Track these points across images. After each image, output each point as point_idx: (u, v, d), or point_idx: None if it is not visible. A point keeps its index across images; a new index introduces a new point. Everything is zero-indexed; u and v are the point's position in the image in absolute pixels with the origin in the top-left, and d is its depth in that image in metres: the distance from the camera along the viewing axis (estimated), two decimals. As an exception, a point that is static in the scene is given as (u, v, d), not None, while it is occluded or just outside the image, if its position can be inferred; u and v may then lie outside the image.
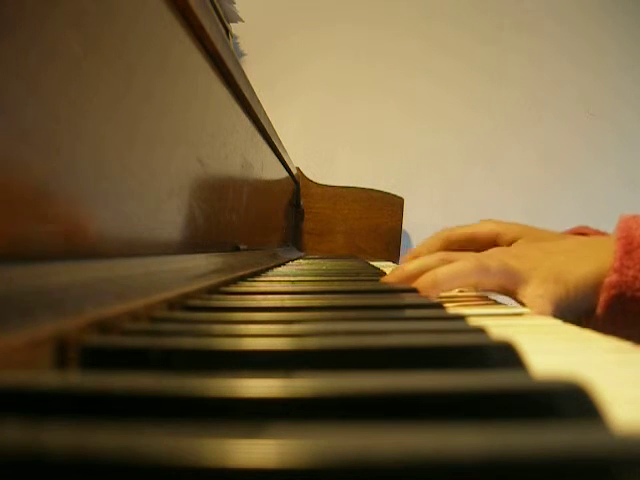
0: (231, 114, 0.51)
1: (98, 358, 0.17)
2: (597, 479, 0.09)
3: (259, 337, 0.20)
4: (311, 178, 1.21)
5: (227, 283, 0.39)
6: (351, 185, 1.23)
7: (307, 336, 0.20)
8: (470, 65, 1.43)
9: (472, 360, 0.17)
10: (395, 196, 1.22)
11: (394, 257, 1.19)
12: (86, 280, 0.22)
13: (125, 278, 0.26)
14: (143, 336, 0.20)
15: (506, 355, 0.17)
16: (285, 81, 1.40)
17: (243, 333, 0.21)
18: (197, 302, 0.29)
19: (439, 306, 0.31)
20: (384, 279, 0.45)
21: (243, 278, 0.45)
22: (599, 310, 0.43)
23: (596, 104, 1.44)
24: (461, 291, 0.48)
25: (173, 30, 0.35)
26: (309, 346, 0.17)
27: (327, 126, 1.41)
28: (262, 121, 0.63)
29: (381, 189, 1.23)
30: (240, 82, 0.50)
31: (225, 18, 1.14)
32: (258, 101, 0.61)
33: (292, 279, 0.46)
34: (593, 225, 0.61)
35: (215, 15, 0.41)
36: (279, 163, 0.86)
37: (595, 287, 0.43)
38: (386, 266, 0.83)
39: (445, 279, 0.40)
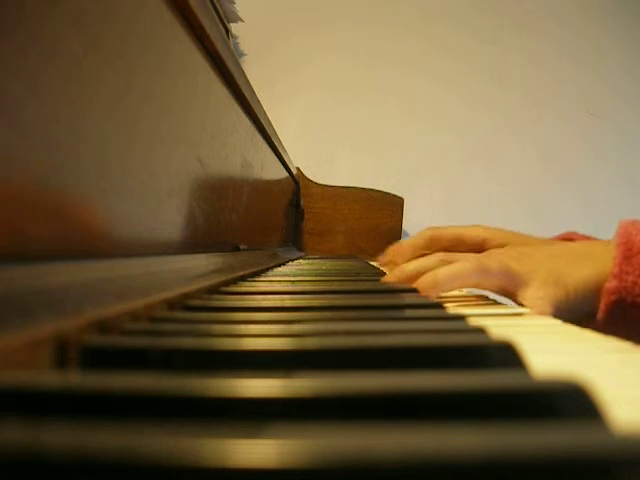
0: (231, 114, 0.51)
1: (98, 358, 0.17)
2: (597, 479, 0.09)
3: (259, 337, 0.20)
4: (311, 178, 1.21)
5: (227, 283, 0.39)
6: (351, 185, 1.23)
7: (307, 336, 0.20)
8: (470, 65, 1.43)
9: (472, 360, 0.17)
10: (395, 196, 1.22)
11: (394, 257, 1.19)
12: (86, 280, 0.22)
13: (125, 278, 0.26)
14: (143, 336, 0.20)
15: (506, 355, 0.17)
16: (285, 81, 1.40)
17: (243, 333, 0.21)
18: (197, 302, 0.29)
19: (439, 306, 0.31)
20: (384, 279, 0.45)
21: (243, 278, 0.45)
22: (599, 316, 0.43)
23: (596, 104, 1.44)
24: (461, 292, 0.48)
25: (173, 30, 0.35)
26: (309, 346, 0.17)
27: (327, 126, 1.41)
28: (262, 121, 0.63)
29: (381, 189, 1.23)
30: (240, 82, 0.50)
31: (225, 18, 1.14)
32: (258, 101, 0.61)
33: (292, 279, 0.46)
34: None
35: (215, 15, 0.41)
36: (279, 163, 0.86)
37: (595, 291, 0.43)
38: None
39: (445, 279, 0.40)
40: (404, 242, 0.61)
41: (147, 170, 0.31)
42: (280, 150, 0.81)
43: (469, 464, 0.08)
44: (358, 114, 1.41)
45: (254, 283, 0.43)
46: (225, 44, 0.44)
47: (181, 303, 0.28)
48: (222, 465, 0.08)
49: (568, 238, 0.60)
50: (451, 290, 0.43)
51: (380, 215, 1.21)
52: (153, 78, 0.32)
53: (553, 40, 1.44)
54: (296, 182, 1.12)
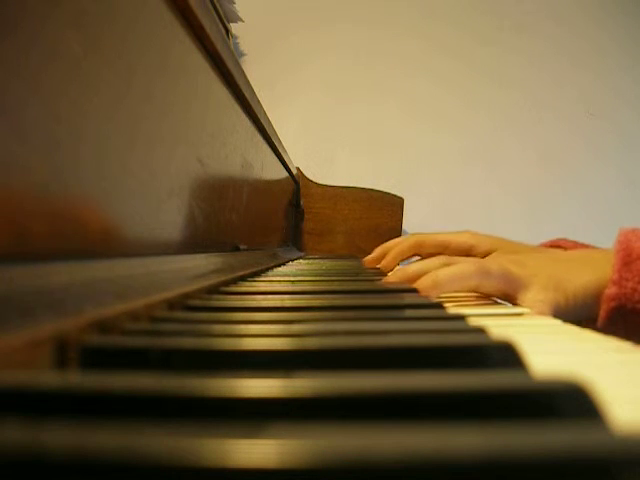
0: (231, 114, 0.51)
1: (98, 358, 0.17)
2: (597, 479, 0.09)
3: (259, 337, 0.20)
4: (311, 178, 1.21)
5: (227, 283, 0.39)
6: (351, 185, 1.23)
7: (307, 336, 0.20)
8: (470, 66, 1.43)
9: (472, 360, 0.17)
10: (395, 196, 1.22)
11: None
12: (86, 280, 0.22)
13: (125, 278, 0.26)
14: (143, 336, 0.20)
15: (506, 355, 0.17)
16: (285, 81, 1.40)
17: (243, 333, 0.21)
18: (197, 302, 0.29)
19: (439, 306, 0.31)
20: (386, 279, 0.45)
21: (243, 278, 0.45)
22: (599, 322, 0.43)
23: (596, 104, 1.44)
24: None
25: (173, 30, 0.35)
26: (309, 346, 0.17)
27: (327, 126, 1.41)
28: (262, 121, 0.63)
29: (381, 189, 1.23)
30: (240, 82, 0.50)
31: (225, 18, 1.14)
32: (258, 101, 0.61)
33: (292, 279, 0.46)
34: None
35: (215, 15, 0.41)
36: (279, 163, 0.86)
37: (595, 297, 0.43)
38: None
39: (446, 280, 0.40)
40: (390, 247, 0.62)
41: (147, 170, 0.31)
42: (280, 150, 0.81)
43: (469, 464, 0.08)
44: (358, 114, 1.41)
45: (254, 283, 0.43)
46: (225, 44, 0.44)
47: (181, 303, 0.28)
48: (222, 465, 0.08)
49: (556, 245, 0.60)
50: (451, 291, 0.43)
51: (380, 215, 1.21)
52: (153, 78, 0.32)
53: (553, 41, 1.44)
54: (296, 182, 1.12)
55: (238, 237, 0.57)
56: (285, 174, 0.95)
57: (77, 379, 0.14)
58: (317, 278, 0.48)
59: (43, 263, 0.20)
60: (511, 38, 1.44)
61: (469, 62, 1.43)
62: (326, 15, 1.42)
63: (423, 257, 0.63)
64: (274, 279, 0.47)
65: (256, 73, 1.19)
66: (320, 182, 1.22)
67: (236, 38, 1.34)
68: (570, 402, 0.12)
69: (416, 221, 1.31)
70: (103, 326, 0.19)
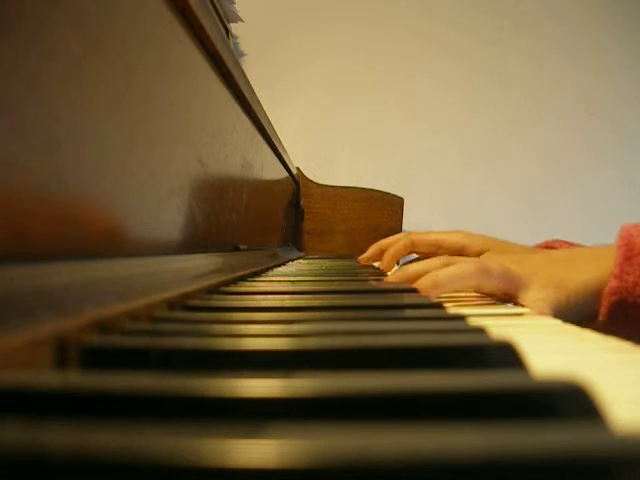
0: (231, 114, 0.51)
1: (98, 358, 0.17)
2: (597, 479, 0.09)
3: (259, 337, 0.20)
4: (311, 178, 1.21)
5: (227, 283, 0.39)
6: (351, 185, 1.23)
7: (307, 336, 0.20)
8: (470, 66, 1.43)
9: (472, 360, 0.17)
10: (395, 196, 1.22)
11: (394, 257, 1.19)
12: (86, 280, 0.22)
13: (125, 278, 0.26)
14: (143, 336, 0.20)
15: (506, 355, 0.17)
16: (285, 81, 1.40)
17: (243, 333, 0.21)
18: (197, 302, 0.29)
19: (439, 306, 0.31)
20: (387, 279, 0.45)
21: (243, 278, 0.45)
22: (601, 317, 0.43)
23: (596, 104, 1.43)
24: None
25: (173, 30, 0.35)
26: (309, 346, 0.17)
27: (327, 126, 1.41)
28: (262, 121, 0.63)
29: (381, 189, 1.23)
30: (240, 82, 0.50)
31: (225, 18, 1.14)
32: (258, 101, 0.61)
33: (292, 279, 0.46)
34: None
35: (215, 15, 0.41)
36: (279, 163, 0.86)
37: (596, 294, 0.43)
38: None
39: (446, 280, 0.40)
40: (384, 245, 0.63)
41: (147, 170, 0.31)
42: (280, 150, 0.81)
43: (469, 464, 0.08)
44: (358, 114, 1.41)
45: (254, 283, 0.43)
46: (225, 44, 0.44)
47: (181, 303, 0.28)
48: (222, 465, 0.08)
49: (550, 246, 0.60)
50: (451, 291, 0.43)
51: (380, 215, 1.21)
52: (153, 78, 0.32)
53: (553, 41, 1.44)
54: (296, 182, 1.12)
55: (238, 237, 0.57)
56: (285, 174, 0.95)
57: (77, 379, 0.14)
58: (317, 278, 0.48)
59: (43, 263, 0.20)
60: (511, 38, 1.44)
61: (469, 62, 1.43)
62: (326, 15, 1.42)
63: (420, 255, 0.63)
64: (274, 279, 0.47)
65: (256, 73, 1.19)
66: (320, 182, 1.22)
67: (236, 38, 1.34)
68: (570, 402, 0.12)
69: (416, 221, 1.31)
70: (103, 326, 0.19)
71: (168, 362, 0.16)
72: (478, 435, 0.09)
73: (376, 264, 0.70)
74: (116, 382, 0.12)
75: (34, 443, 0.09)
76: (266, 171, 0.73)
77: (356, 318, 0.26)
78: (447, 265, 0.42)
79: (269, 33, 1.39)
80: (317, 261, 0.82)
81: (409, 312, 0.30)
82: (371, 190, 1.22)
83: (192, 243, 0.40)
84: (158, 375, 0.13)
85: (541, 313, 0.40)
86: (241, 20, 1.22)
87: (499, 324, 0.32)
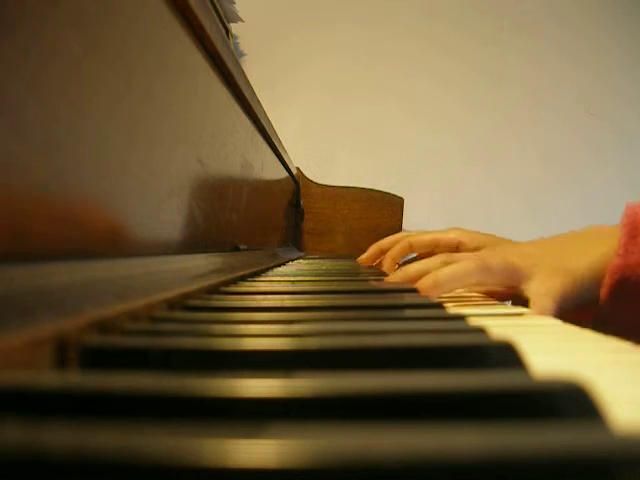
0: (231, 114, 0.51)
1: (98, 358, 0.17)
2: (597, 479, 0.09)
3: (259, 337, 0.20)
4: (311, 178, 1.21)
5: (227, 283, 0.39)
6: (351, 185, 1.23)
7: (307, 336, 0.20)
8: (470, 66, 1.43)
9: (472, 360, 0.17)
10: (395, 196, 1.22)
11: (394, 257, 1.19)
12: (86, 280, 0.22)
13: (125, 278, 0.26)
14: (143, 336, 0.20)
15: (506, 355, 0.17)
16: (285, 81, 1.40)
17: (243, 333, 0.21)
18: (197, 302, 0.29)
19: (439, 306, 0.31)
20: (387, 279, 0.46)
21: (243, 278, 0.45)
22: (603, 295, 0.43)
23: (596, 104, 1.43)
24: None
25: (173, 30, 0.35)
26: (309, 346, 0.17)
27: (327, 126, 1.41)
28: (262, 121, 0.63)
29: (381, 189, 1.23)
30: (240, 82, 0.50)
31: (225, 18, 1.14)
32: (258, 101, 0.61)
33: (292, 279, 0.46)
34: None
35: (215, 15, 0.41)
36: (279, 163, 0.86)
37: (600, 275, 0.43)
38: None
39: (447, 280, 0.40)
40: (383, 245, 0.63)
41: (147, 170, 0.31)
42: (280, 150, 0.81)
43: (469, 464, 0.08)
44: (358, 114, 1.41)
45: (254, 283, 0.43)
46: (225, 44, 0.44)
47: (181, 303, 0.28)
48: (222, 465, 0.08)
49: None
50: (452, 290, 0.43)
51: (380, 215, 1.21)
52: (153, 78, 0.32)
53: (553, 41, 1.44)
54: (296, 182, 1.12)
55: (238, 237, 0.57)
56: (285, 174, 0.95)
57: (77, 379, 0.14)
58: (317, 278, 0.48)
59: (43, 263, 0.20)
60: (511, 38, 1.44)
61: (469, 62, 1.43)
62: (326, 15, 1.42)
63: (418, 255, 0.64)
64: (274, 279, 0.47)
65: (256, 73, 1.19)
66: (320, 182, 1.22)
67: (236, 38, 1.34)
68: (570, 402, 0.12)
69: (416, 221, 1.31)
70: (103, 326, 0.19)
71: (168, 362, 0.16)
72: (478, 435, 0.09)
73: (375, 264, 0.70)
74: (116, 382, 0.12)
75: (34, 443, 0.09)
76: (266, 171, 0.73)
77: (356, 318, 0.26)
78: (447, 263, 0.42)
79: (269, 33, 1.39)
80: (317, 261, 0.82)
81: (409, 312, 0.30)
82: (371, 190, 1.22)
83: (192, 243, 0.40)
84: (158, 375, 0.13)
85: (547, 303, 0.40)
86: (241, 20, 1.22)
87: (499, 324, 0.32)
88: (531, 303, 0.41)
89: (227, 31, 1.15)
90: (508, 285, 0.42)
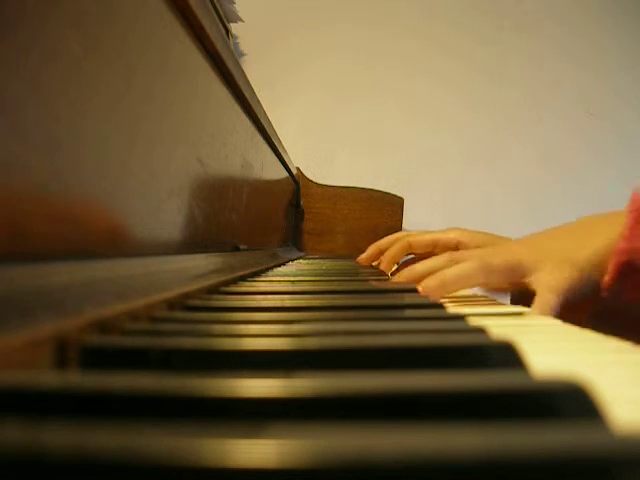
0: (231, 114, 0.51)
1: (98, 358, 0.17)
2: (597, 479, 0.09)
3: (259, 337, 0.20)
4: (311, 178, 1.21)
5: (227, 283, 0.39)
6: (351, 185, 1.23)
7: (307, 336, 0.20)
8: (470, 66, 1.43)
9: (472, 360, 0.17)
10: (395, 196, 1.22)
11: (394, 257, 1.19)
12: (86, 280, 0.22)
13: (125, 278, 0.26)
14: (143, 336, 0.20)
15: (506, 355, 0.17)
16: (285, 81, 1.40)
17: (243, 333, 0.21)
18: (197, 302, 0.29)
19: (439, 306, 0.31)
20: (393, 279, 0.46)
21: (243, 278, 0.45)
22: (608, 279, 0.43)
23: (596, 104, 1.43)
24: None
25: (173, 30, 0.35)
26: (309, 346, 0.17)
27: (327, 126, 1.41)
28: (262, 121, 0.63)
29: (381, 189, 1.23)
30: (240, 82, 0.50)
31: (225, 18, 1.14)
32: (258, 101, 0.61)
33: (292, 279, 0.46)
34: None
35: (215, 15, 0.41)
36: (279, 163, 0.86)
37: (603, 266, 0.43)
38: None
39: (452, 281, 0.40)
40: (382, 245, 0.63)
41: (147, 170, 0.31)
42: (280, 150, 0.81)
43: (469, 464, 0.08)
44: (358, 114, 1.41)
45: (254, 283, 0.43)
46: (225, 44, 0.44)
47: (181, 303, 0.28)
48: (222, 465, 0.08)
49: None
50: (457, 290, 0.43)
51: (380, 215, 1.21)
52: (153, 78, 0.32)
53: (553, 41, 1.44)
54: (296, 182, 1.12)
55: (238, 237, 0.57)
56: (285, 174, 0.95)
57: (77, 379, 0.14)
58: (317, 278, 0.48)
59: (43, 263, 0.20)
60: (511, 38, 1.44)
61: (469, 62, 1.43)
62: (326, 15, 1.42)
63: (417, 255, 0.64)
64: (274, 279, 0.47)
65: (256, 73, 1.19)
66: (320, 182, 1.22)
67: (236, 38, 1.34)
68: (570, 402, 0.12)
69: (416, 221, 1.31)
70: (103, 326, 0.19)
71: (168, 362, 0.16)
72: (478, 435, 0.09)
73: (374, 263, 0.70)
74: (116, 382, 0.12)
75: (34, 443, 0.09)
76: (266, 171, 0.73)
77: (356, 318, 0.26)
78: (451, 261, 0.42)
79: (269, 33, 1.39)
80: (317, 261, 0.82)
81: (409, 312, 0.30)
82: (371, 190, 1.22)
83: (192, 243, 0.40)
84: (158, 375, 0.13)
85: (552, 297, 0.40)
86: (241, 20, 1.22)
87: (499, 324, 0.32)
88: (537, 295, 0.40)
89: (227, 31, 1.15)
90: (512, 282, 0.43)
